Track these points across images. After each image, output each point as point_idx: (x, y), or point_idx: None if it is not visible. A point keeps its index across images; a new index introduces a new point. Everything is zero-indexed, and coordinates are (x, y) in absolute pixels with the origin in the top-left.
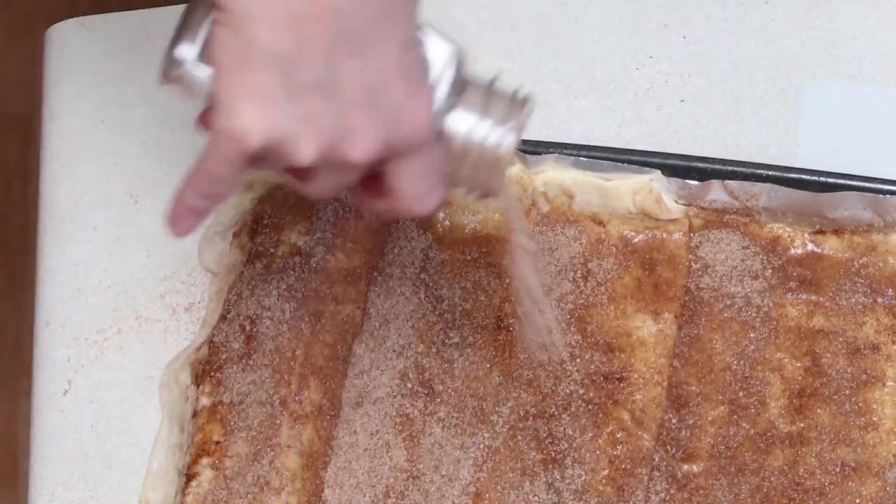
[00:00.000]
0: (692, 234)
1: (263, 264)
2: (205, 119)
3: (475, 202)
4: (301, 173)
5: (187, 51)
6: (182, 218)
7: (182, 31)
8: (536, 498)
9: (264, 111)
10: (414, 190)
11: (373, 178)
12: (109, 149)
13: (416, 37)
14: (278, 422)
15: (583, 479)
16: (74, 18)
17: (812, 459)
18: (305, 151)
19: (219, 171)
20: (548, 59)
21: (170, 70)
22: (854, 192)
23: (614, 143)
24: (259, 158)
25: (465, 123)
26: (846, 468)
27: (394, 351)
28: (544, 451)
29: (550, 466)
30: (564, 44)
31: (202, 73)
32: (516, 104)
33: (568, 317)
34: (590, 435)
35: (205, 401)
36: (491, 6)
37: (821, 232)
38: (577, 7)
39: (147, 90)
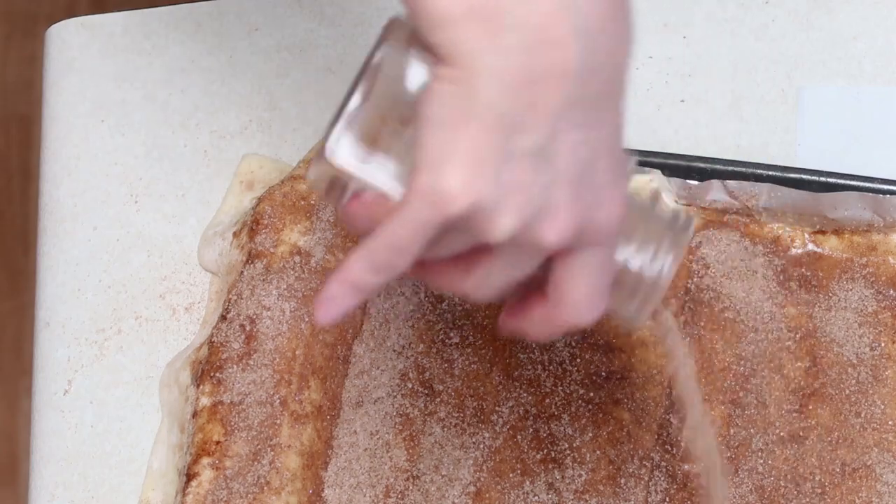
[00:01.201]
0: (692, 234)
1: (263, 264)
2: (350, 209)
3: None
4: (457, 267)
5: (346, 139)
6: (340, 296)
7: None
8: (536, 498)
9: (475, 176)
10: (584, 292)
11: (527, 288)
12: (109, 149)
13: (624, 122)
14: (278, 422)
15: (583, 479)
16: (74, 18)
17: (812, 459)
18: (505, 224)
19: (407, 238)
20: None
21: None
22: (854, 192)
23: None
24: (447, 230)
25: (625, 246)
26: (846, 468)
27: (394, 351)
28: (544, 451)
29: (550, 466)
30: None
31: (358, 160)
32: (677, 229)
33: None
34: (590, 435)
35: (205, 401)
36: None
37: (821, 232)
38: None
39: (147, 90)
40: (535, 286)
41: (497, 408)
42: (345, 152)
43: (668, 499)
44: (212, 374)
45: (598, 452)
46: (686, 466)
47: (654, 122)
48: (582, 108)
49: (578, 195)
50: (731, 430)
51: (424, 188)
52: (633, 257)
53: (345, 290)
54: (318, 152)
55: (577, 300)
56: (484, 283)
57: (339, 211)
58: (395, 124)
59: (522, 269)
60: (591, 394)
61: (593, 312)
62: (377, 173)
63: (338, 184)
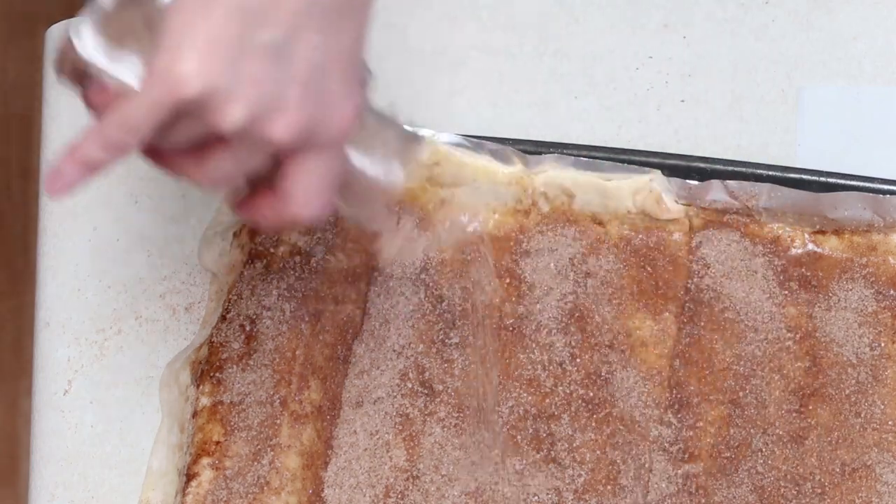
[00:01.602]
0: (692, 234)
1: (263, 264)
2: (92, 97)
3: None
4: (190, 156)
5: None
6: (69, 171)
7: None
8: (536, 498)
9: (210, 62)
10: (306, 190)
11: (258, 181)
12: None
13: (366, 34)
14: (278, 422)
15: (583, 479)
16: (74, 18)
17: (812, 459)
18: (235, 113)
19: (139, 117)
20: (548, 59)
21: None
22: (854, 192)
23: (614, 143)
24: (180, 115)
25: (359, 150)
26: (846, 468)
27: (394, 351)
28: (544, 451)
29: (550, 466)
30: (564, 44)
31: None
32: (409, 140)
33: (568, 317)
34: (590, 435)
35: (205, 401)
36: (491, 6)
37: (821, 232)
38: (577, 7)
39: None
40: (266, 180)
41: (497, 408)
42: (90, 44)
43: (667, 498)
44: (212, 374)
45: (598, 452)
46: (686, 466)
47: (654, 122)
48: (323, 12)
49: (309, 96)
50: (731, 430)
51: (160, 70)
52: (367, 166)
53: (75, 166)
54: (66, 39)
55: (301, 196)
56: (214, 173)
57: (80, 96)
58: (141, 26)
59: (250, 163)
60: (591, 394)
61: (315, 209)
62: (120, 67)
63: (80, 71)
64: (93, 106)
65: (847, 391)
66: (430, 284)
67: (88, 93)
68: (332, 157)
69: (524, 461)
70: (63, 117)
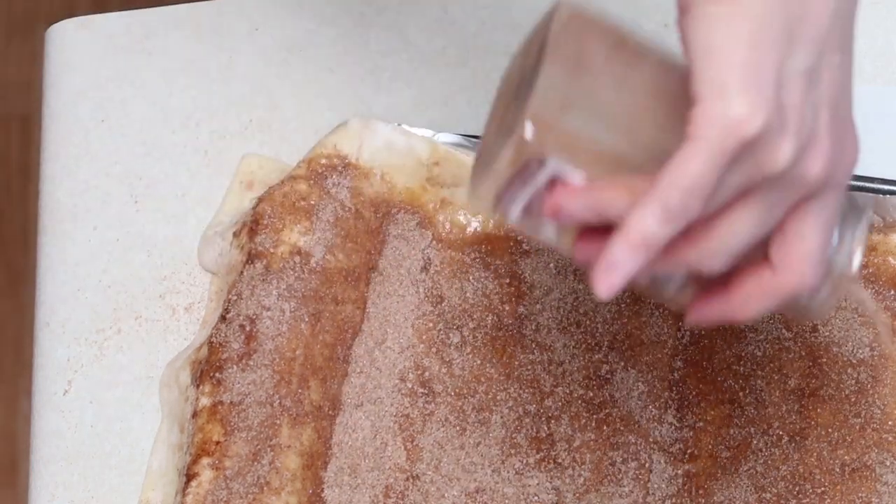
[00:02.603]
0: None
1: (263, 264)
2: (555, 207)
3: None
4: (690, 233)
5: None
6: (625, 258)
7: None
8: (536, 498)
9: (761, 97)
10: (810, 248)
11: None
12: (109, 149)
13: None
14: (278, 422)
15: (583, 479)
16: (74, 18)
17: (812, 459)
18: (787, 148)
19: (704, 172)
20: None
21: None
22: (854, 193)
23: None
24: (731, 165)
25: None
26: (846, 468)
27: (394, 351)
28: (544, 451)
29: (550, 466)
30: None
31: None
32: (861, 213)
33: (568, 317)
34: (590, 435)
35: (205, 401)
36: (491, 6)
37: None
38: None
39: (147, 90)
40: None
41: (497, 408)
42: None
43: (667, 498)
44: (212, 374)
45: (598, 452)
46: (686, 466)
47: None
48: (842, 26)
49: (836, 122)
50: (731, 430)
51: (715, 115)
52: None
53: (632, 250)
54: (497, 147)
55: (803, 259)
56: (733, 241)
57: (532, 206)
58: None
59: (775, 216)
60: (591, 394)
61: (816, 276)
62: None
63: (527, 171)
64: (566, 207)
65: (847, 391)
66: (430, 284)
67: (555, 196)
68: (838, 202)
69: (524, 461)
70: (63, 117)
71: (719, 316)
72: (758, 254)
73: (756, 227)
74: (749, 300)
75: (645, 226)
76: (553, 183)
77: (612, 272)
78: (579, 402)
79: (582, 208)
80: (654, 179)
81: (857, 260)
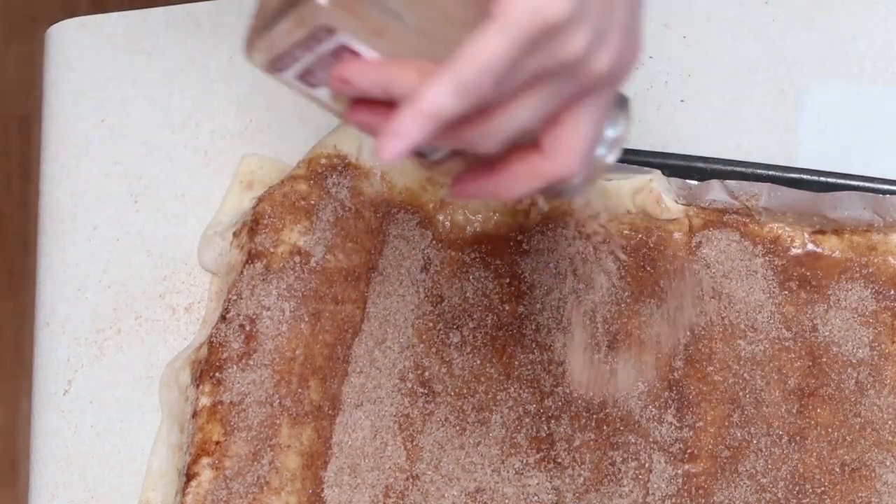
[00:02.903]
0: (692, 234)
1: (263, 264)
2: (342, 78)
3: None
4: (480, 115)
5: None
6: (410, 128)
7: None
8: (536, 498)
9: None
10: (582, 139)
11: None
12: (109, 149)
13: None
14: (278, 422)
15: (583, 479)
16: (74, 18)
17: (812, 459)
18: (580, 39)
19: (500, 55)
20: None
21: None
22: (854, 192)
23: None
24: (529, 48)
25: None
26: (846, 468)
27: (394, 351)
28: (544, 451)
29: (550, 466)
30: None
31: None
32: (626, 110)
33: (568, 317)
34: (590, 435)
35: (205, 401)
36: None
37: (821, 232)
38: None
39: (147, 90)
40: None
41: (497, 408)
42: None
43: (667, 498)
44: (212, 374)
45: (597, 452)
46: (686, 466)
47: (654, 122)
48: None
49: (626, 28)
50: (731, 430)
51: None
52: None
53: (421, 120)
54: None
55: (573, 148)
56: (506, 126)
57: (312, 71)
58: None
59: (554, 105)
60: (591, 393)
61: (579, 166)
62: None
63: (313, 39)
64: (352, 76)
65: (847, 391)
66: (430, 284)
67: (344, 65)
68: (608, 101)
69: (524, 461)
70: (63, 117)
71: (483, 191)
72: (525, 138)
73: (535, 114)
74: (515, 181)
75: (437, 97)
76: (339, 52)
77: (399, 139)
78: (579, 402)
79: (369, 83)
80: (452, 54)
81: (615, 153)
